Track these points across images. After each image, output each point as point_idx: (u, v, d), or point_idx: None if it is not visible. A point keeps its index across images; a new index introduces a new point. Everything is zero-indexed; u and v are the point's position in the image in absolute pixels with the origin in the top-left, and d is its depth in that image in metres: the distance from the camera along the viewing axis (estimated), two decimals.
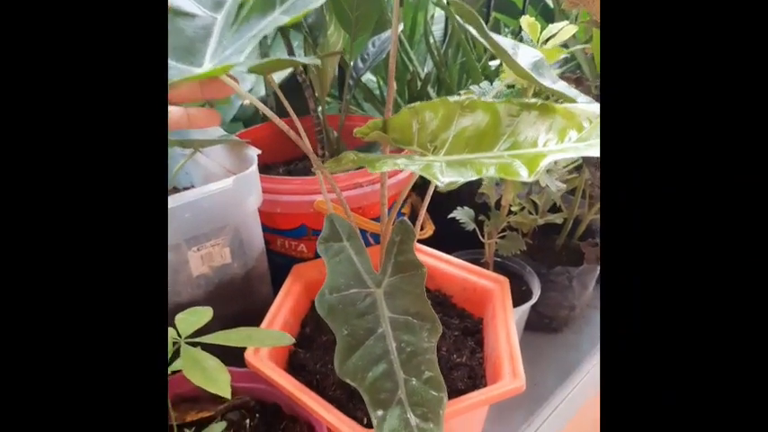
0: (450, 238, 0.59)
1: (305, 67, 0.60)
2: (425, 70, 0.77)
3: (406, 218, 0.38)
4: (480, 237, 0.57)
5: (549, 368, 0.61)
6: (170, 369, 0.33)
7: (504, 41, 0.34)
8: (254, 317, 0.44)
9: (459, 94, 0.32)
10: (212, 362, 0.32)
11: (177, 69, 0.28)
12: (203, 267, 0.46)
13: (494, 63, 0.61)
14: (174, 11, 0.30)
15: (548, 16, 0.87)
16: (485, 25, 0.31)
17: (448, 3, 0.65)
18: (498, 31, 0.88)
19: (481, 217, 0.57)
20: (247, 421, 0.42)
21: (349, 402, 0.39)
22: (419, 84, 0.72)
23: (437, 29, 0.87)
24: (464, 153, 0.29)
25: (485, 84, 0.53)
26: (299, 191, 0.53)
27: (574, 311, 0.65)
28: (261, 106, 0.35)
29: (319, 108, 0.64)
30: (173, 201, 0.40)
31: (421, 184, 0.66)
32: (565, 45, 0.48)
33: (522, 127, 0.28)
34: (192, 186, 0.59)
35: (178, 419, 0.40)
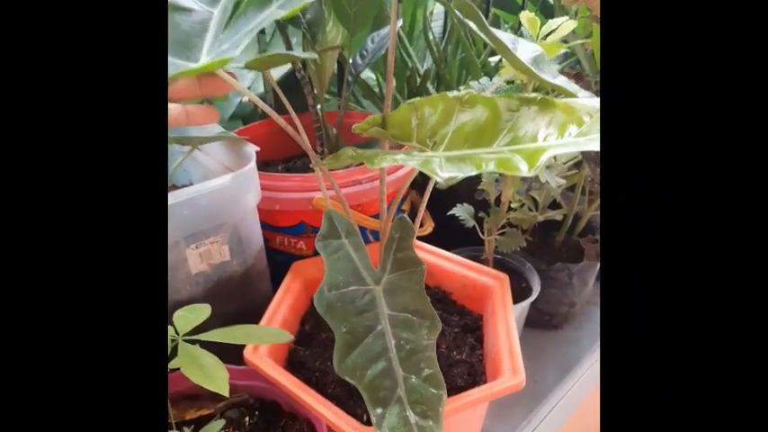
0: (449, 235, 0.59)
1: (304, 63, 0.60)
2: (425, 66, 0.77)
3: (405, 215, 0.38)
4: (480, 233, 0.57)
5: (549, 365, 0.61)
6: (169, 367, 0.33)
7: (504, 36, 0.34)
8: (253, 314, 0.43)
9: (459, 90, 0.32)
10: (210, 359, 0.32)
11: (174, 65, 0.27)
12: (202, 265, 0.46)
13: (493, 59, 0.61)
14: (170, 5, 0.29)
15: (547, 12, 0.86)
16: (485, 20, 0.31)
17: None
18: (498, 28, 0.88)
19: (481, 214, 0.57)
20: (247, 419, 0.41)
21: (349, 400, 0.39)
22: (418, 80, 0.72)
23: (436, 25, 0.87)
24: (463, 148, 0.29)
25: (484, 80, 0.52)
26: (298, 188, 0.53)
27: (574, 308, 0.65)
28: (259, 103, 0.35)
29: (318, 105, 0.64)
30: (171, 198, 0.40)
31: (421, 182, 0.66)
32: (564, 41, 0.47)
33: (522, 122, 0.28)
34: (191, 184, 0.59)
35: (178, 417, 0.40)
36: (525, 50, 0.35)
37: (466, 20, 0.32)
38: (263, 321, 0.43)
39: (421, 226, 0.60)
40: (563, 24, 0.44)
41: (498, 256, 0.61)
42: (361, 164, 0.56)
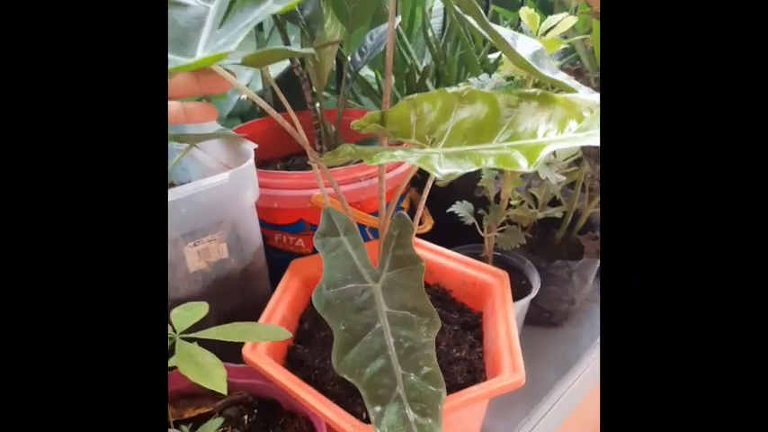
0: (449, 233, 0.59)
1: (302, 60, 0.59)
2: (424, 63, 0.76)
3: (404, 212, 0.38)
4: (479, 231, 0.57)
5: (549, 362, 0.61)
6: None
7: (504, 31, 0.33)
8: (252, 313, 0.43)
9: (458, 87, 0.32)
10: (208, 357, 0.32)
11: (170, 60, 0.27)
12: (200, 263, 0.46)
13: (493, 56, 0.60)
14: (168, 0, 0.29)
15: (546, 9, 0.86)
16: (484, 15, 0.31)
17: None
18: (497, 24, 0.88)
19: (480, 211, 0.57)
20: (246, 417, 0.41)
21: (348, 398, 0.38)
22: (417, 77, 0.72)
23: (435, 22, 0.86)
24: (463, 145, 0.28)
25: (483, 76, 0.52)
26: (296, 185, 0.53)
27: (573, 305, 0.65)
28: (258, 100, 0.34)
29: (317, 103, 0.63)
30: (169, 195, 0.40)
31: (420, 179, 0.66)
32: (564, 37, 0.47)
33: (522, 117, 0.28)
34: (190, 182, 0.59)
35: (176, 415, 0.40)
36: (525, 46, 0.35)
37: (465, 15, 0.31)
38: (262, 319, 0.43)
39: (420, 223, 0.60)
40: (563, 20, 0.44)
41: (498, 254, 0.61)
42: (359, 161, 0.56)
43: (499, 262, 0.61)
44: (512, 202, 0.57)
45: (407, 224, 0.37)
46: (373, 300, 0.35)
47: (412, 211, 0.56)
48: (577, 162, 0.58)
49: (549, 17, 0.45)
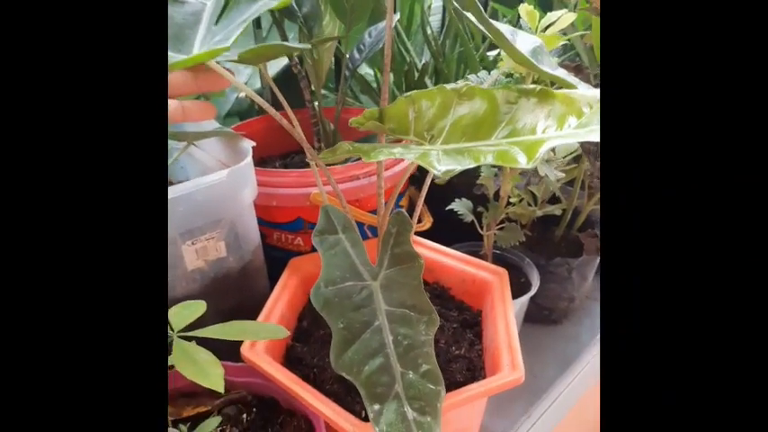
0: (448, 231, 0.59)
1: (300, 58, 0.59)
2: (422, 61, 0.76)
3: (403, 210, 0.38)
4: (479, 228, 0.57)
5: (549, 360, 0.61)
6: None
7: (503, 27, 0.33)
8: (250, 311, 0.43)
9: (457, 84, 0.31)
10: (205, 355, 0.32)
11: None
12: (198, 261, 0.45)
13: (492, 53, 0.60)
14: None
15: (545, 6, 0.86)
16: (483, 11, 0.31)
17: None
18: (496, 21, 0.87)
19: (479, 208, 0.57)
20: (244, 416, 0.41)
21: (347, 396, 0.38)
22: (416, 75, 0.72)
23: (434, 19, 0.86)
24: (461, 141, 0.28)
25: (482, 73, 0.52)
26: (295, 183, 0.52)
27: (573, 303, 0.65)
28: (256, 98, 0.34)
29: (315, 101, 0.63)
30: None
31: (419, 177, 0.66)
32: (563, 33, 0.47)
33: (521, 114, 0.27)
34: (188, 180, 0.59)
35: (175, 414, 0.40)
36: (524, 42, 0.34)
37: (464, 12, 0.31)
38: (261, 318, 0.43)
39: (419, 221, 0.60)
40: (562, 17, 0.44)
41: (497, 251, 0.61)
42: (358, 159, 0.56)
43: (498, 260, 0.61)
44: (511, 200, 0.57)
45: (406, 222, 0.37)
46: (372, 297, 0.35)
47: (411, 209, 0.56)
48: (577, 159, 0.57)
49: (549, 14, 0.44)
